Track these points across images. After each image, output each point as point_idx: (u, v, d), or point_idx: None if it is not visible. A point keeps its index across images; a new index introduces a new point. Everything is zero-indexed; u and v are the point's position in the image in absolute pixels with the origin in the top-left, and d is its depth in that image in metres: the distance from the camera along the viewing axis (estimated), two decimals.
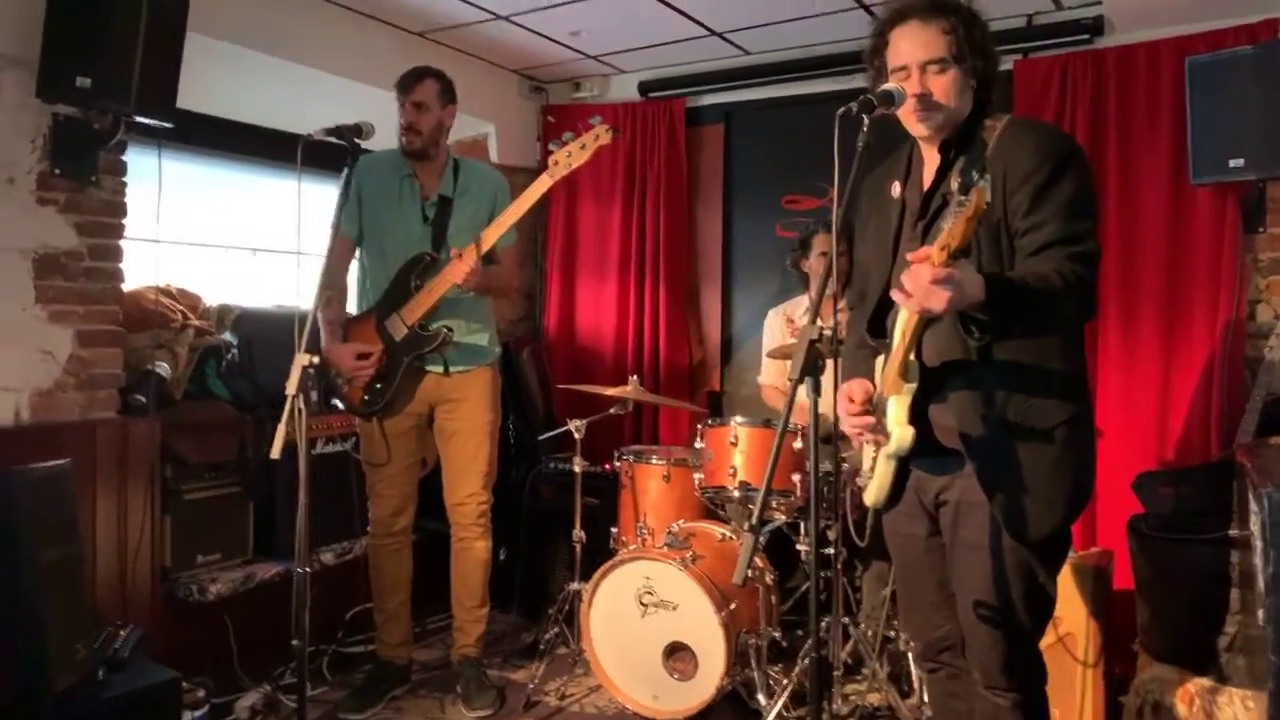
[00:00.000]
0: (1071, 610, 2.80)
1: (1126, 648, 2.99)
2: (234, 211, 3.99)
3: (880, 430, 1.80)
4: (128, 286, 3.06)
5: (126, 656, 2.44)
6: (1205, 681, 2.55)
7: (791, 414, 1.68)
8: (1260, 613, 2.05)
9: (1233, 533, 2.58)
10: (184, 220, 3.68)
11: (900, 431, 1.74)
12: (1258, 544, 2.06)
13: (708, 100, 4.47)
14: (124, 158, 2.97)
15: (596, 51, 4.29)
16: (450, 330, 2.97)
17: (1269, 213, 3.26)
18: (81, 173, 2.83)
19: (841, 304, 2.85)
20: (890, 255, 1.90)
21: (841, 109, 1.67)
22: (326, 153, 2.62)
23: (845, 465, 2.91)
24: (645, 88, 4.54)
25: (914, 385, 1.74)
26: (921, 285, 1.48)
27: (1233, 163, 3.03)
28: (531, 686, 3.19)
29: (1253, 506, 2.15)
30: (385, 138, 2.97)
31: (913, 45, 1.78)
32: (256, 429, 3.32)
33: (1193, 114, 3.12)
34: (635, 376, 3.50)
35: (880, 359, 1.90)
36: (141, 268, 3.14)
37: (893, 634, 3.02)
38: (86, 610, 2.52)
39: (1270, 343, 2.96)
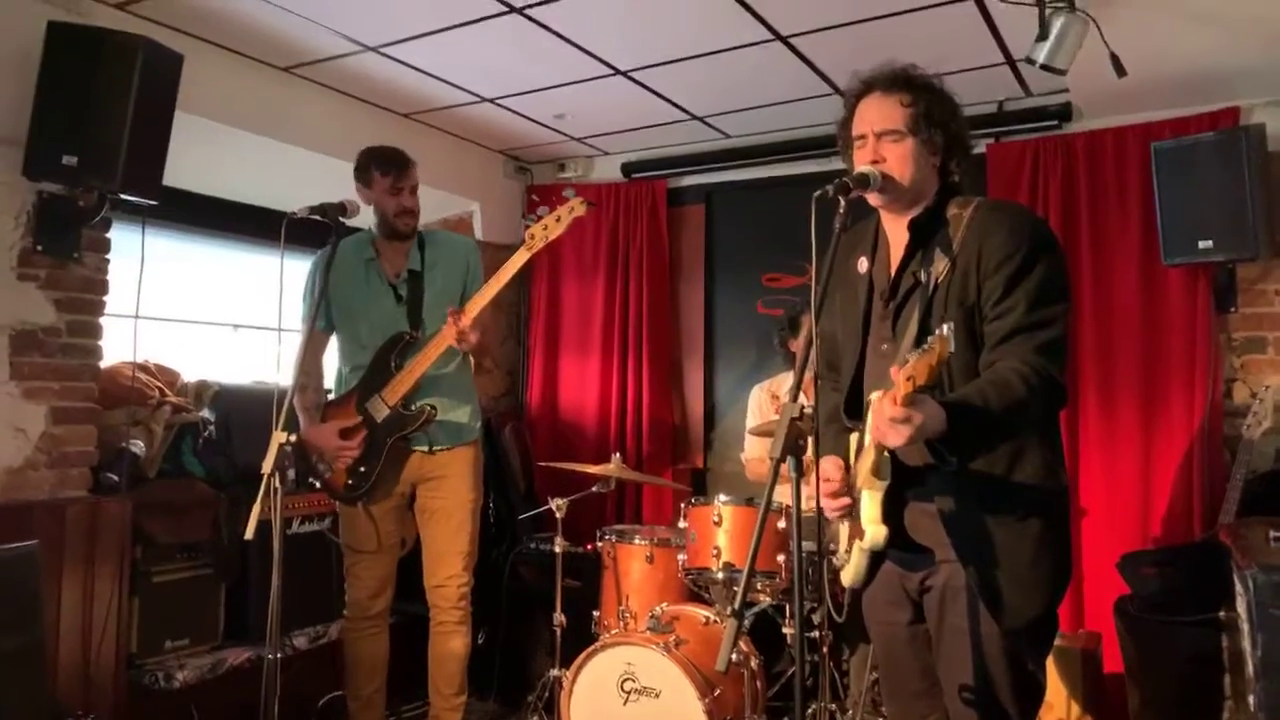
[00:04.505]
0: (1061, 695, 2.75)
1: None
2: (217, 287, 4.00)
3: (856, 519, 1.79)
4: (106, 362, 3.04)
5: None
6: None
7: (775, 493, 1.67)
8: (1251, 698, 2.02)
9: (1220, 615, 2.55)
10: (166, 295, 3.67)
11: (874, 530, 1.74)
12: (1245, 626, 2.04)
13: (689, 181, 4.56)
14: (108, 235, 2.98)
15: (580, 134, 4.38)
16: (434, 408, 2.93)
17: (1240, 292, 3.33)
18: (64, 249, 2.84)
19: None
20: (861, 336, 1.91)
21: (818, 192, 1.69)
22: (310, 230, 2.64)
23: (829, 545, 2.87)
24: (628, 169, 4.63)
25: (886, 482, 1.74)
26: (882, 420, 1.53)
27: (1202, 244, 3.11)
28: None
29: (1238, 588, 2.14)
30: (367, 215, 2.99)
31: (872, 115, 1.83)
32: (231, 507, 3.25)
33: (1160, 197, 3.20)
34: (618, 454, 3.47)
35: (854, 436, 1.90)
36: (122, 343, 3.11)
37: None
38: (46, 701, 2.42)
39: (1248, 421, 2.98)
